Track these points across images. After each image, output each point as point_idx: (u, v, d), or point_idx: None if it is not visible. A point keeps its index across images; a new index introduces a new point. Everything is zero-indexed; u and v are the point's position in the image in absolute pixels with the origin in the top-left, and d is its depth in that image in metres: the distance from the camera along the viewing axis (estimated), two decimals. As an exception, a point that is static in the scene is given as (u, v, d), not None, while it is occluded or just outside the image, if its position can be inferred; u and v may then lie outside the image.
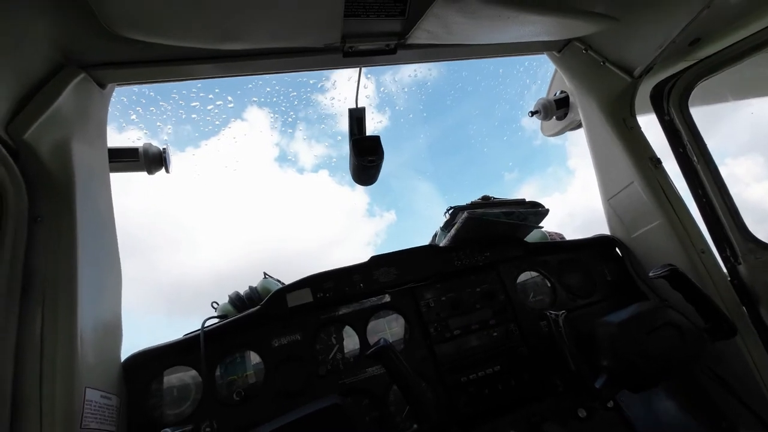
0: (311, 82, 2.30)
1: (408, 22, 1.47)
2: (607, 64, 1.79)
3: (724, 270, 1.67)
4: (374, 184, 1.99)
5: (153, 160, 1.66)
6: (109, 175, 1.46)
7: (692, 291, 1.36)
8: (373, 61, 1.65)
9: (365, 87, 1.84)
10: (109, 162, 1.49)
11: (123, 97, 1.73)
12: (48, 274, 1.12)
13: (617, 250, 1.99)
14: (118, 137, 1.58)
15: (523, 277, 1.83)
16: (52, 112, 1.19)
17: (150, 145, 1.68)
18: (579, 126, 2.22)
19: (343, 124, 1.84)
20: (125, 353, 1.38)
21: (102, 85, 1.39)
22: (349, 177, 1.95)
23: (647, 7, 1.54)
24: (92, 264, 1.23)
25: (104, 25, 1.15)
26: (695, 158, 1.80)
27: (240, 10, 1.17)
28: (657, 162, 1.77)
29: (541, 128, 2.44)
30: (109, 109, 1.50)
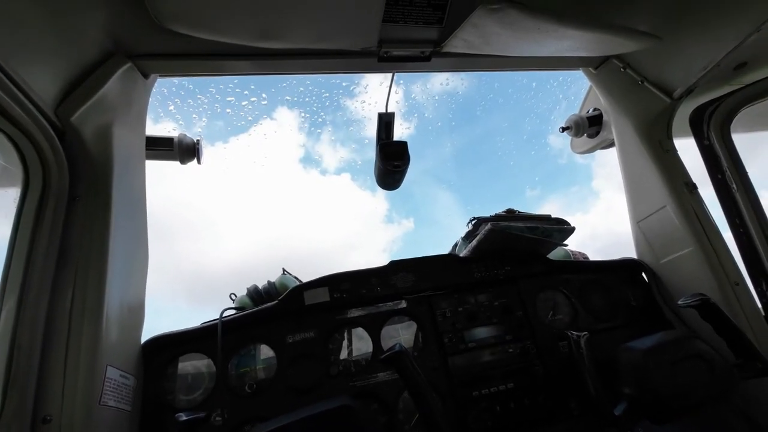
0: (344, 84, 2.33)
1: (445, 30, 1.48)
2: (645, 83, 1.75)
3: (759, 305, 1.59)
4: (395, 191, 1.99)
5: (186, 151, 1.71)
6: (144, 161, 1.51)
7: (724, 324, 1.29)
8: (407, 67, 1.66)
9: (396, 93, 1.85)
10: (146, 149, 1.54)
11: (164, 88, 1.80)
12: (81, 251, 1.17)
13: (644, 275, 1.92)
14: (155, 126, 1.63)
15: (544, 294, 1.78)
16: (99, 97, 1.24)
17: (185, 135, 1.73)
18: (611, 145, 2.17)
19: (370, 130, 1.85)
20: (145, 335, 1.42)
21: (146, 75, 1.45)
22: (370, 181, 1.96)
23: (693, 28, 1.50)
24: (122, 245, 1.27)
25: (153, 18, 1.20)
26: (734, 185, 1.73)
27: (283, 10, 1.20)
28: (692, 187, 1.71)
29: (571, 145, 2.40)
30: (150, 99, 1.56)
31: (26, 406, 0.97)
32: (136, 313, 1.36)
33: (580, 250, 2.13)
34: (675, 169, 1.74)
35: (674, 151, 1.79)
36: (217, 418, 1.32)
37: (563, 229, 1.74)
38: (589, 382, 1.27)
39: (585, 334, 1.36)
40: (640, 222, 1.87)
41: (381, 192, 1.96)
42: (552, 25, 1.35)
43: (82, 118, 1.20)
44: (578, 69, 1.94)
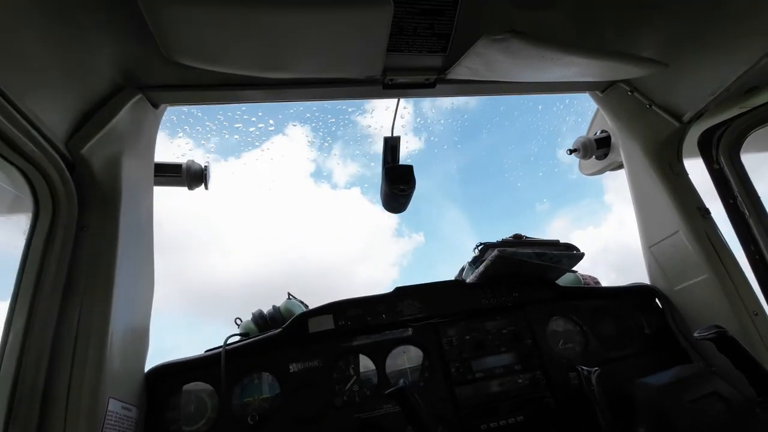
0: (350, 110, 2.36)
1: (449, 59, 1.49)
2: (653, 107, 1.74)
3: (780, 336, 1.53)
4: None
5: (194, 177, 1.73)
6: (153, 188, 1.53)
7: (743, 358, 1.24)
8: (412, 93, 1.67)
9: (404, 109, 1.86)
10: (154, 176, 1.57)
11: (173, 116, 1.83)
12: (87, 280, 1.17)
13: (657, 301, 1.87)
14: (164, 152, 1.66)
15: (553, 322, 1.74)
16: (109, 128, 1.27)
17: (193, 162, 1.76)
18: (619, 167, 2.14)
19: (378, 147, 1.86)
20: (153, 350, 1.41)
21: (155, 105, 1.48)
22: (379, 197, 1.95)
23: (701, 53, 1.49)
24: (128, 273, 1.28)
25: (163, 52, 1.23)
26: (746, 211, 1.69)
27: (289, 42, 1.22)
28: (705, 212, 1.67)
29: (579, 167, 2.37)
30: (159, 127, 1.59)
31: (27, 442, 0.96)
32: (140, 341, 1.35)
33: (590, 274, 2.09)
34: (686, 193, 1.71)
35: (685, 174, 1.75)
36: None
37: (572, 255, 1.71)
38: (600, 420, 1.22)
39: (596, 370, 1.32)
40: (652, 247, 1.83)
41: None
42: (556, 54, 1.35)
43: (93, 150, 1.23)
44: (584, 92, 1.94)
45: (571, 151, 2.21)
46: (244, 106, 1.84)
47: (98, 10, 1.11)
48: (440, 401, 1.50)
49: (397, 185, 1.78)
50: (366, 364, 1.57)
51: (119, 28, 1.18)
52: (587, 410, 1.41)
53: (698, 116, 1.66)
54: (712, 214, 1.68)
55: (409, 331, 1.63)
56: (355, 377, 1.54)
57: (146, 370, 1.38)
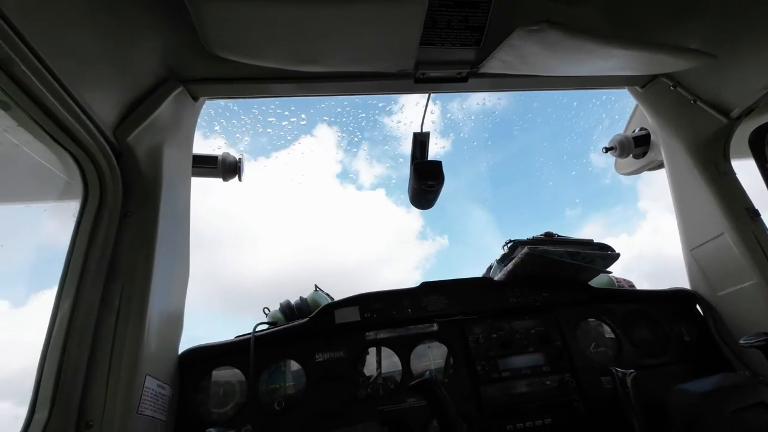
0: (380, 105, 2.38)
1: (482, 52, 1.47)
2: (698, 102, 1.65)
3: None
4: (431, 209, 1.97)
5: (229, 169, 1.79)
6: (190, 179, 1.60)
7: (796, 368, 1.16)
8: (443, 88, 1.66)
9: (431, 112, 1.86)
10: (192, 167, 1.63)
11: (211, 110, 1.90)
12: (128, 264, 1.23)
13: (698, 307, 1.77)
14: (201, 145, 1.73)
15: (585, 324, 1.68)
16: (153, 119, 1.33)
17: (228, 154, 1.82)
18: (659, 167, 2.05)
19: (405, 147, 1.86)
20: (182, 342, 1.46)
21: (195, 98, 1.54)
22: (405, 198, 1.96)
23: (752, 45, 1.40)
24: (166, 259, 1.34)
25: (204, 45, 1.28)
26: (803, 213, 1.57)
27: (324, 35, 1.24)
28: (754, 213, 1.57)
29: (616, 166, 2.29)
30: (198, 120, 1.65)
31: (72, 412, 1.02)
32: (175, 325, 1.41)
33: (625, 277, 2.01)
34: (734, 193, 1.61)
35: (732, 174, 1.66)
36: None
37: (607, 255, 1.65)
38: (635, 425, 1.17)
39: (632, 372, 1.26)
40: (693, 250, 1.74)
41: (415, 209, 1.95)
42: (595, 46, 1.31)
43: (137, 139, 1.29)
44: (623, 88, 1.86)
45: (606, 149, 2.13)
46: (277, 100, 1.89)
47: (147, 5, 1.17)
48: (464, 399, 1.48)
49: (426, 181, 1.77)
50: (390, 357, 1.57)
51: (165, 22, 1.24)
52: (619, 416, 1.36)
53: (748, 112, 1.57)
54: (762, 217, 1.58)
55: (435, 327, 1.61)
56: (379, 370, 1.54)
57: (180, 352, 1.44)
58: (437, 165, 1.80)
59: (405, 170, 1.88)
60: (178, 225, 1.47)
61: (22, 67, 0.90)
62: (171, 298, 1.38)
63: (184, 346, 1.47)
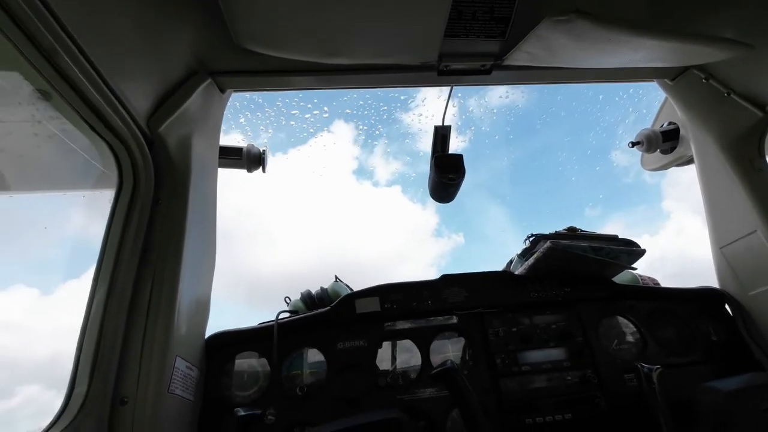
0: (402, 97, 2.38)
1: (507, 43, 1.46)
2: (732, 95, 1.59)
3: None
4: (446, 206, 1.97)
5: (253, 160, 1.83)
6: (217, 169, 1.64)
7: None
8: (466, 80, 1.65)
9: (453, 106, 1.85)
10: (218, 158, 1.67)
11: (236, 102, 1.94)
12: (159, 249, 1.28)
13: (727, 307, 1.72)
14: (226, 137, 1.77)
15: (608, 321, 1.66)
16: (182, 110, 1.37)
17: (252, 146, 1.85)
18: (688, 162, 1.99)
19: (423, 143, 1.87)
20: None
21: (222, 90, 1.58)
22: (421, 194, 1.97)
23: (793, 34, 1.34)
24: (194, 246, 1.38)
25: (233, 38, 1.31)
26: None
27: (351, 26, 1.26)
28: (790, 211, 1.51)
29: (642, 161, 2.23)
30: (224, 112, 1.69)
31: (108, 388, 1.07)
32: (202, 310, 1.46)
33: (650, 275, 1.96)
34: None
35: (767, 170, 1.60)
36: (270, 417, 1.37)
37: (632, 251, 1.62)
38: (661, 422, 1.15)
39: (658, 368, 1.24)
40: (723, 248, 1.69)
41: (431, 205, 1.96)
42: (624, 36, 1.28)
43: (168, 129, 1.33)
44: (652, 80, 1.82)
45: (633, 144, 2.08)
46: (301, 93, 1.91)
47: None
48: (483, 392, 1.48)
49: (447, 174, 1.77)
50: (410, 348, 1.59)
51: (196, 15, 1.28)
52: (643, 414, 1.34)
53: (786, 105, 1.51)
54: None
55: (454, 319, 1.62)
56: (398, 360, 1.56)
57: (206, 336, 1.49)
58: (458, 158, 1.79)
59: (421, 166, 1.89)
60: (206, 213, 1.51)
61: (65, 57, 0.94)
62: (199, 283, 1.42)
63: (209, 332, 1.52)
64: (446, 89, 1.76)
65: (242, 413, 1.01)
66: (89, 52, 1.00)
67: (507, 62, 1.51)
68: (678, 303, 1.70)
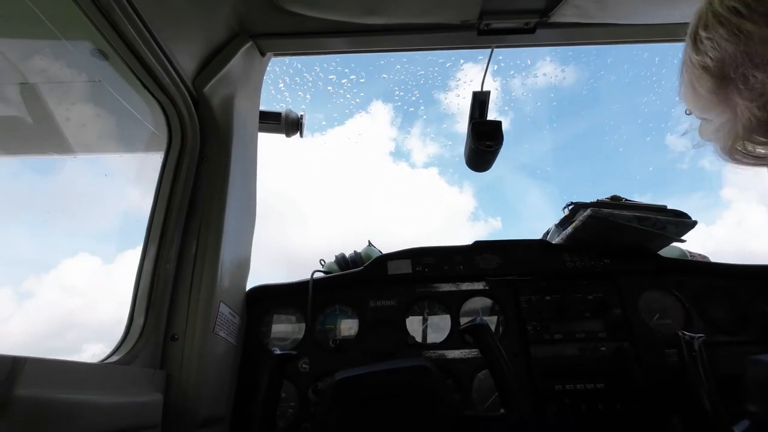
0: (440, 61, 2.30)
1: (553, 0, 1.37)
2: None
3: None
4: (484, 189, 1.93)
5: (291, 125, 1.87)
6: (257, 132, 1.70)
7: None
8: (509, 40, 1.58)
9: (493, 78, 1.78)
10: (258, 122, 1.73)
11: (276, 67, 1.98)
12: (205, 204, 1.36)
13: (791, 287, 1.58)
14: (265, 101, 1.82)
15: (650, 294, 1.58)
16: (225, 72, 1.42)
17: (291, 111, 1.89)
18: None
19: (461, 125, 1.81)
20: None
21: (263, 53, 1.62)
22: (458, 177, 1.94)
23: None
24: (237, 204, 1.46)
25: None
26: None
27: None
28: None
29: (700, 130, 2.05)
30: (264, 76, 1.74)
31: (161, 324, 1.18)
32: (243, 264, 1.55)
33: (700, 252, 1.84)
34: None
35: None
36: (305, 366, 1.46)
37: (681, 222, 1.52)
38: (703, 394, 1.10)
39: (701, 336, 1.18)
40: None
41: (468, 189, 1.93)
42: (688, -18, 1.17)
43: (212, 90, 1.39)
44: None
45: (690, 112, 1.92)
46: (338, 58, 1.91)
47: None
48: (513, 356, 1.48)
49: (484, 141, 1.72)
50: (440, 311, 1.61)
51: None
52: (682, 388, 1.28)
53: None
54: None
55: (485, 285, 1.61)
56: (428, 321, 1.58)
57: (248, 289, 1.58)
58: (497, 125, 1.74)
59: (459, 149, 1.84)
60: (247, 173, 1.58)
61: (120, 14, 1.00)
62: (240, 238, 1.51)
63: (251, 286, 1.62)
64: (485, 55, 1.70)
65: (278, 352, 1.07)
66: (141, 10, 1.05)
67: (553, 19, 1.43)
68: (732, 281, 1.59)
